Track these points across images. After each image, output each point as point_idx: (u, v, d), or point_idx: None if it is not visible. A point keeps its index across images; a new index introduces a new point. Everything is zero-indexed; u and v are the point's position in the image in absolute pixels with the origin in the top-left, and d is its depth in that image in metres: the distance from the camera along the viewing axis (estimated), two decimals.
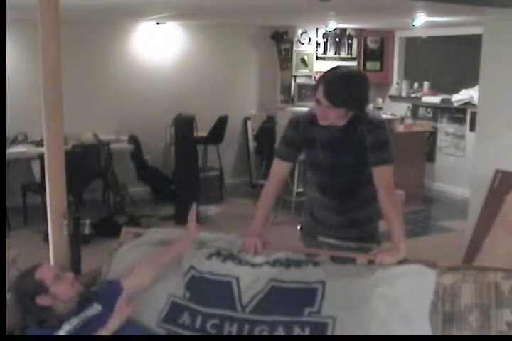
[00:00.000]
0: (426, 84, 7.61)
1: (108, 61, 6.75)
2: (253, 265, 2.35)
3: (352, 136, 2.48)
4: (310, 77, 7.60)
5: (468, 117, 6.95)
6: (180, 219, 5.73)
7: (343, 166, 2.58)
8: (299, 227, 2.96)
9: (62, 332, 2.07)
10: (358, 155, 2.53)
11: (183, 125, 5.87)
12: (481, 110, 4.12)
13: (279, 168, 2.65)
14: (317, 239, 2.78)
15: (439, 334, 2.02)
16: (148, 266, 2.33)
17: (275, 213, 5.75)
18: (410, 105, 7.77)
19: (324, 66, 7.66)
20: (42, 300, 2.10)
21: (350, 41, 7.88)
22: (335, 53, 7.79)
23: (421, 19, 6.02)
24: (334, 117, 2.40)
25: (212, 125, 6.75)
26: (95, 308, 2.18)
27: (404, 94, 7.85)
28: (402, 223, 2.44)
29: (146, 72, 6.91)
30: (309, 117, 2.54)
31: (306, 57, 7.57)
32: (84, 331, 2.09)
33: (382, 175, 2.46)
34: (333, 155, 2.56)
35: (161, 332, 2.26)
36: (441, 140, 7.37)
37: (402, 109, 7.78)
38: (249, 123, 7.59)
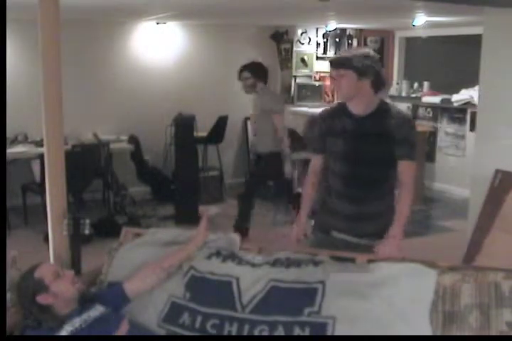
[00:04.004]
0: (426, 84, 7.60)
1: (108, 61, 6.74)
2: (253, 265, 2.35)
3: (377, 127, 2.62)
4: (310, 77, 7.61)
5: (468, 117, 6.94)
6: (180, 219, 5.74)
7: (365, 156, 2.67)
8: (312, 223, 2.98)
9: (64, 332, 2.07)
10: (382, 148, 2.64)
11: (183, 125, 5.87)
12: (481, 110, 4.11)
13: (317, 161, 2.86)
14: (331, 235, 2.81)
15: (439, 334, 2.02)
16: (152, 270, 2.32)
17: (275, 213, 5.76)
18: (410, 105, 7.76)
19: (324, 66, 7.68)
20: (42, 299, 2.10)
21: (350, 41, 7.88)
22: (335, 53, 7.78)
23: (421, 19, 6.02)
24: (346, 85, 2.59)
25: (212, 125, 6.75)
26: (98, 309, 2.17)
27: (404, 94, 7.84)
28: (406, 220, 2.62)
29: (146, 72, 6.91)
30: (336, 108, 2.77)
31: (306, 57, 7.57)
32: (86, 332, 2.08)
33: (408, 169, 2.64)
34: (355, 144, 2.66)
35: (161, 332, 2.25)
36: (441, 140, 7.37)
37: (402, 109, 7.75)
38: (249, 123, 7.58)
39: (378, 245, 2.58)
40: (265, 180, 5.44)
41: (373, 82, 2.61)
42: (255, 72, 5.09)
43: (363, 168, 2.68)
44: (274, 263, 2.34)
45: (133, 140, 6.54)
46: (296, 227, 2.86)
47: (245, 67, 5.12)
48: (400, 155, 2.63)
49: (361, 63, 2.57)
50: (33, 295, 2.10)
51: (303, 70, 7.58)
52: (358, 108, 2.65)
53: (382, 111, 2.64)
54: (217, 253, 2.42)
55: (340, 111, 2.72)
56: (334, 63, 2.64)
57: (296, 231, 2.85)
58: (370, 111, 2.64)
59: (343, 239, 2.77)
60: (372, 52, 2.67)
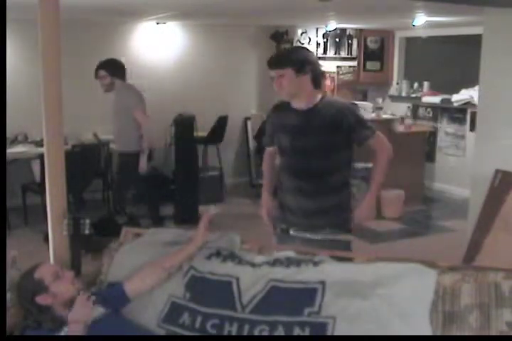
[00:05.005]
0: (426, 84, 7.60)
1: None
2: (253, 265, 2.35)
3: (320, 119, 2.71)
4: None
5: (468, 117, 6.94)
6: (180, 219, 5.75)
7: (309, 149, 2.74)
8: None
9: (63, 333, 2.06)
10: (328, 139, 2.72)
11: (183, 125, 5.87)
12: (481, 110, 4.11)
13: (269, 151, 3.03)
14: (289, 234, 2.87)
15: (439, 334, 2.02)
16: (152, 270, 2.32)
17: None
18: (410, 105, 7.76)
19: (324, 66, 7.67)
20: (42, 300, 2.10)
21: (350, 41, 7.88)
22: (335, 53, 7.79)
23: (421, 19, 6.02)
24: (286, 83, 2.67)
25: (212, 125, 6.74)
26: (97, 310, 2.16)
27: (404, 94, 7.85)
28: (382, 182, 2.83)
29: (146, 72, 6.90)
30: (280, 104, 2.87)
31: None
32: (86, 332, 2.08)
33: (381, 141, 2.79)
34: (301, 137, 2.75)
35: (161, 332, 2.25)
36: (441, 140, 7.37)
37: (402, 109, 7.78)
38: (249, 123, 7.58)
39: (355, 211, 2.76)
40: (125, 181, 5.21)
41: (312, 78, 2.71)
42: (111, 69, 4.97)
43: (311, 160, 2.76)
44: (274, 263, 2.34)
45: None
46: (263, 207, 2.98)
47: (101, 66, 5.00)
48: (362, 137, 2.75)
49: (298, 60, 2.66)
50: (32, 296, 2.10)
51: None
52: (301, 103, 2.76)
53: (324, 103, 2.75)
54: (217, 253, 2.42)
55: (285, 107, 2.83)
56: (272, 64, 2.71)
57: (264, 211, 2.97)
58: (312, 105, 2.74)
59: (302, 238, 2.81)
60: (307, 49, 2.84)
